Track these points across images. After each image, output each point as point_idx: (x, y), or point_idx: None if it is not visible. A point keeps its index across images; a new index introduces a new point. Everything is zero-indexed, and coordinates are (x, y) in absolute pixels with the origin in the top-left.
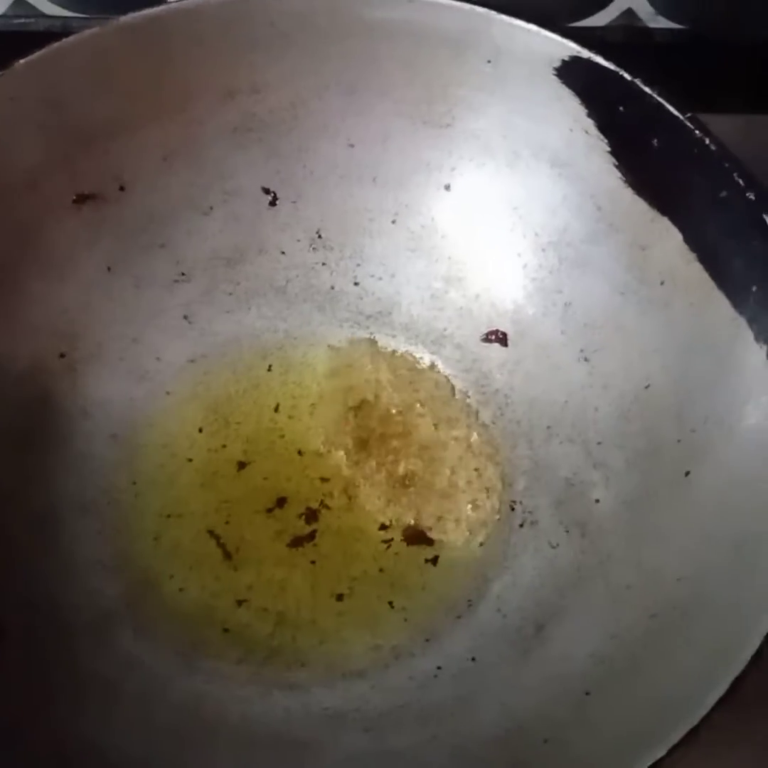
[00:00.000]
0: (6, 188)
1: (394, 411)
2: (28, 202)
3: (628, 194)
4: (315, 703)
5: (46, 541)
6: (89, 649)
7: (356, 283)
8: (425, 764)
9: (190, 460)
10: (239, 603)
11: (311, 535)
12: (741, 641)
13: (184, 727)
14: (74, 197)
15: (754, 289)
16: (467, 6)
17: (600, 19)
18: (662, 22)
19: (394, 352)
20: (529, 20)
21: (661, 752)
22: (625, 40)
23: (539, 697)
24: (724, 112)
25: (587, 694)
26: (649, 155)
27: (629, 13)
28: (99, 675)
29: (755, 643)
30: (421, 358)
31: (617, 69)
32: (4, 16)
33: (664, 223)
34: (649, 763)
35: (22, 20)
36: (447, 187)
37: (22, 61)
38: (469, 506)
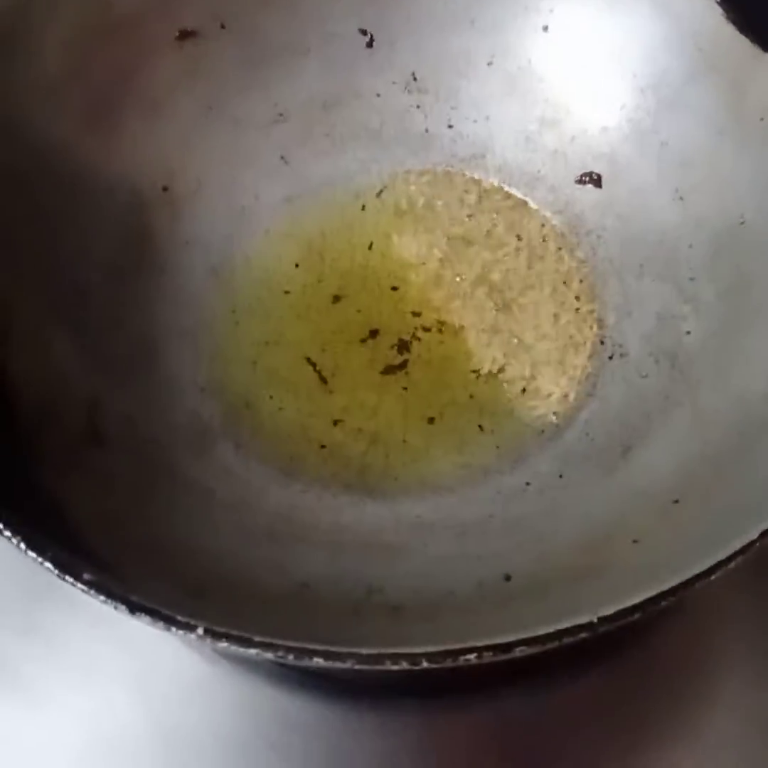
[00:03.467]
0: (111, 26)
1: (489, 248)
2: (132, 36)
3: (729, 31)
4: (406, 512)
5: (145, 364)
6: (187, 460)
7: (450, 126)
8: (511, 568)
9: (287, 292)
10: (335, 423)
11: (403, 364)
12: None
13: (277, 531)
14: (177, 33)
15: None
16: None
17: None
18: None
19: (488, 191)
20: None
21: (753, 535)
22: None
23: (626, 508)
24: None
25: (676, 502)
26: None
27: None
28: (196, 482)
29: None
30: (515, 198)
31: None
32: None
33: (766, 60)
34: (743, 544)
35: None
36: (545, 29)
37: None
38: (562, 341)
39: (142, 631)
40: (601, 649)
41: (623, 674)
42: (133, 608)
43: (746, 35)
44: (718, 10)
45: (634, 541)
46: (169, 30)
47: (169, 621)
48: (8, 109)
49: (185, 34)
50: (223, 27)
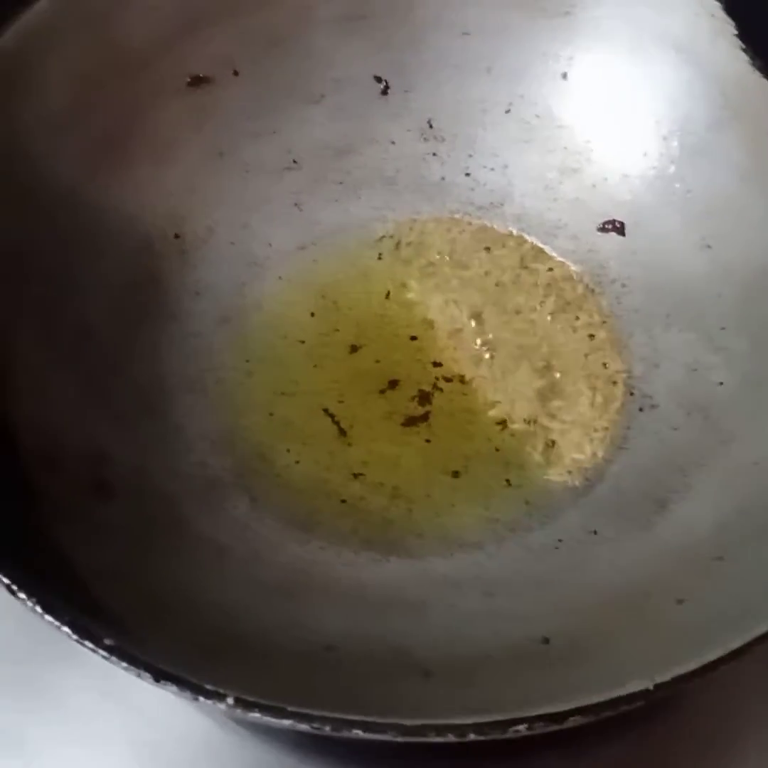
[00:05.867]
0: (119, 66)
1: (511, 297)
2: (141, 80)
3: (755, 78)
4: (431, 569)
5: (153, 413)
6: (198, 514)
7: (467, 174)
8: (547, 630)
9: (302, 342)
10: (354, 476)
11: (425, 416)
12: None
13: (294, 587)
14: (188, 79)
15: None
16: None
17: None
18: None
19: (507, 240)
20: None
21: None
22: None
23: (664, 565)
24: None
25: (719, 559)
26: None
27: None
28: (208, 537)
29: None
30: (535, 246)
31: None
32: None
33: None
34: None
35: None
36: (564, 76)
37: None
38: (590, 393)
39: (149, 691)
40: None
41: (656, 740)
42: (158, 676)
43: None
44: (743, 57)
45: (678, 601)
46: (180, 75)
47: (197, 690)
48: (14, 144)
49: (197, 80)
50: (236, 73)
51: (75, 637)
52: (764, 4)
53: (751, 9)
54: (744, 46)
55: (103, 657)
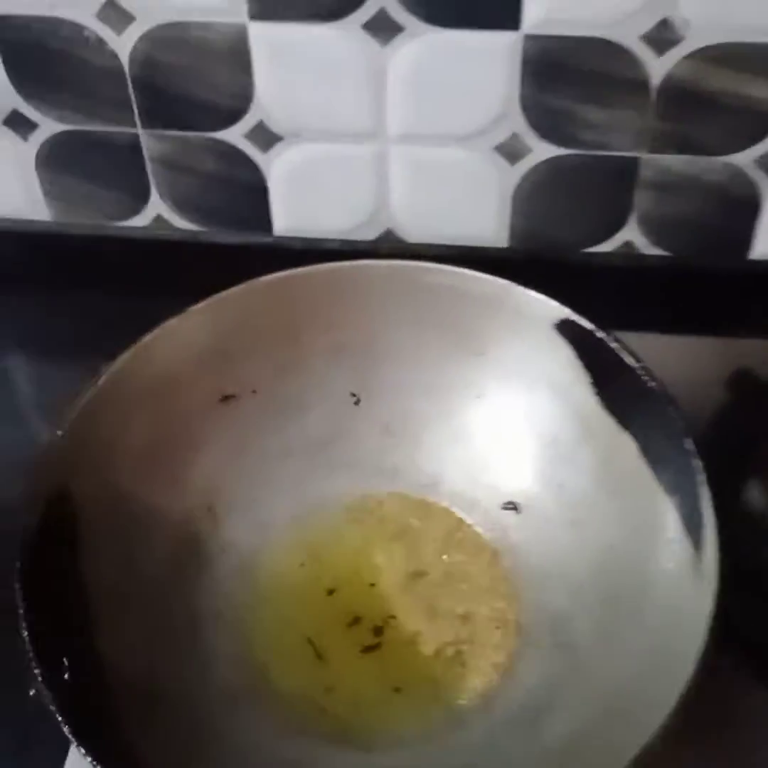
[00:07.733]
0: (176, 386)
1: (441, 555)
2: (187, 397)
3: (602, 413)
4: (377, 763)
5: (188, 639)
6: (221, 720)
7: (414, 462)
8: None
9: (294, 586)
10: (327, 690)
11: (378, 645)
12: None
13: None
14: (220, 397)
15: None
16: (492, 277)
17: (606, 246)
18: (655, 251)
19: (441, 511)
20: (538, 290)
21: None
22: (625, 264)
23: None
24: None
25: None
26: (616, 388)
27: (629, 243)
28: (229, 742)
29: None
30: (459, 517)
31: (594, 329)
32: (146, 228)
33: (626, 435)
34: None
35: (160, 231)
36: (479, 397)
37: (193, 307)
38: (492, 630)
39: None
40: None
41: None
42: None
43: (613, 417)
44: (596, 398)
45: None
46: (215, 394)
47: None
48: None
49: (227, 398)
50: (254, 392)
51: None
52: (612, 361)
53: (602, 366)
54: (597, 391)
55: None
